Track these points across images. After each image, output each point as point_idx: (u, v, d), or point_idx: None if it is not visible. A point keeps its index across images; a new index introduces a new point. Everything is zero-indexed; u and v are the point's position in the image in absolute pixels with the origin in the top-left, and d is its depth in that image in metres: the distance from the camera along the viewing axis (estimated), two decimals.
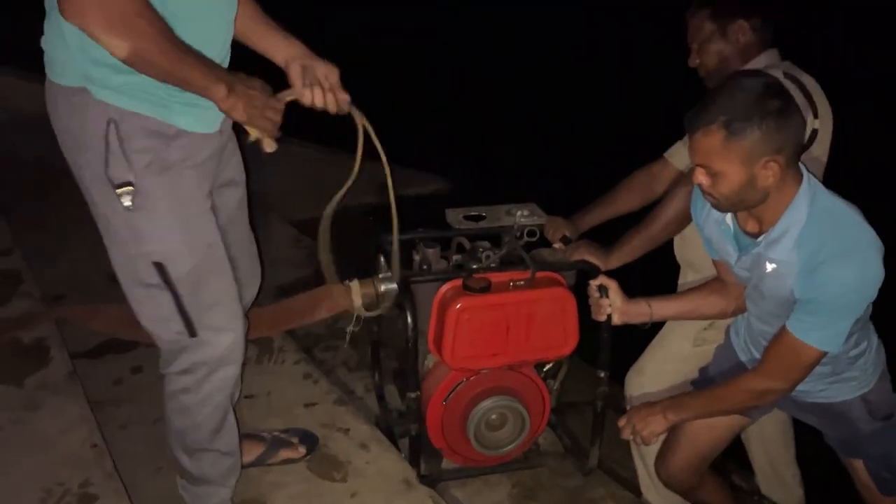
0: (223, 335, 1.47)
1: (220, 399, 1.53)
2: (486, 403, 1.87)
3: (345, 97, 1.49)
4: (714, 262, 1.70)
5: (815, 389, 1.63)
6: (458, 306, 1.72)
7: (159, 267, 1.36)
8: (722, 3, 1.84)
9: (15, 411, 1.91)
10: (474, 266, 1.86)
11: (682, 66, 1.95)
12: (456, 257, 1.97)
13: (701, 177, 1.40)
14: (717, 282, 1.71)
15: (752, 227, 1.50)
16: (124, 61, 1.20)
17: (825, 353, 1.46)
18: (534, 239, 1.99)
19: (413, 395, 1.82)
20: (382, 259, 1.94)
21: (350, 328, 1.96)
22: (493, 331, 1.76)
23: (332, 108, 1.47)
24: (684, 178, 1.87)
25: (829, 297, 1.39)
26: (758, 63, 1.81)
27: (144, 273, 1.37)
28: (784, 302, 1.47)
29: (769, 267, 1.46)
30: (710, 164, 1.37)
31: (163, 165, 1.32)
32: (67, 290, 2.64)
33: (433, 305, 1.79)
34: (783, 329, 1.47)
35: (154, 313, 1.42)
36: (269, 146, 1.41)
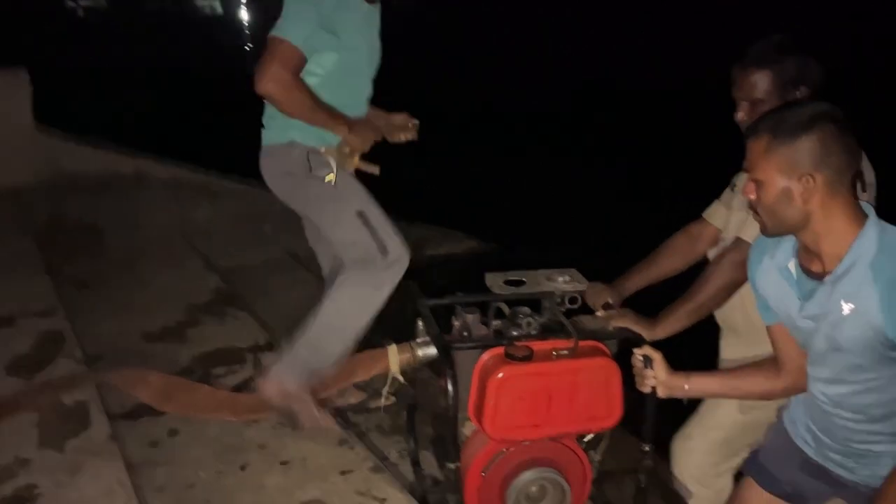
0: (399, 247, 2.16)
1: (380, 301, 2.14)
2: (527, 475, 1.82)
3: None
4: (769, 330, 1.59)
5: None
6: (501, 375, 1.69)
7: (361, 214, 2.11)
8: (783, 67, 1.78)
9: (56, 475, 1.91)
10: (516, 333, 1.84)
11: (716, 124, 1.90)
12: (495, 323, 1.95)
13: (749, 190, 1.41)
14: (767, 361, 1.63)
15: (816, 266, 1.42)
16: (289, 116, 2.07)
17: None
18: (575, 306, 1.97)
19: (453, 465, 1.78)
20: (420, 323, 1.93)
21: (385, 390, 1.94)
22: (535, 401, 1.72)
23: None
24: (732, 246, 1.84)
25: None
26: None
27: (352, 219, 2.11)
28: (868, 347, 1.36)
29: (846, 308, 1.36)
30: (754, 172, 1.39)
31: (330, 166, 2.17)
32: (107, 349, 2.67)
33: (474, 374, 1.77)
34: None
35: (360, 242, 2.11)
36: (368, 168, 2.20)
